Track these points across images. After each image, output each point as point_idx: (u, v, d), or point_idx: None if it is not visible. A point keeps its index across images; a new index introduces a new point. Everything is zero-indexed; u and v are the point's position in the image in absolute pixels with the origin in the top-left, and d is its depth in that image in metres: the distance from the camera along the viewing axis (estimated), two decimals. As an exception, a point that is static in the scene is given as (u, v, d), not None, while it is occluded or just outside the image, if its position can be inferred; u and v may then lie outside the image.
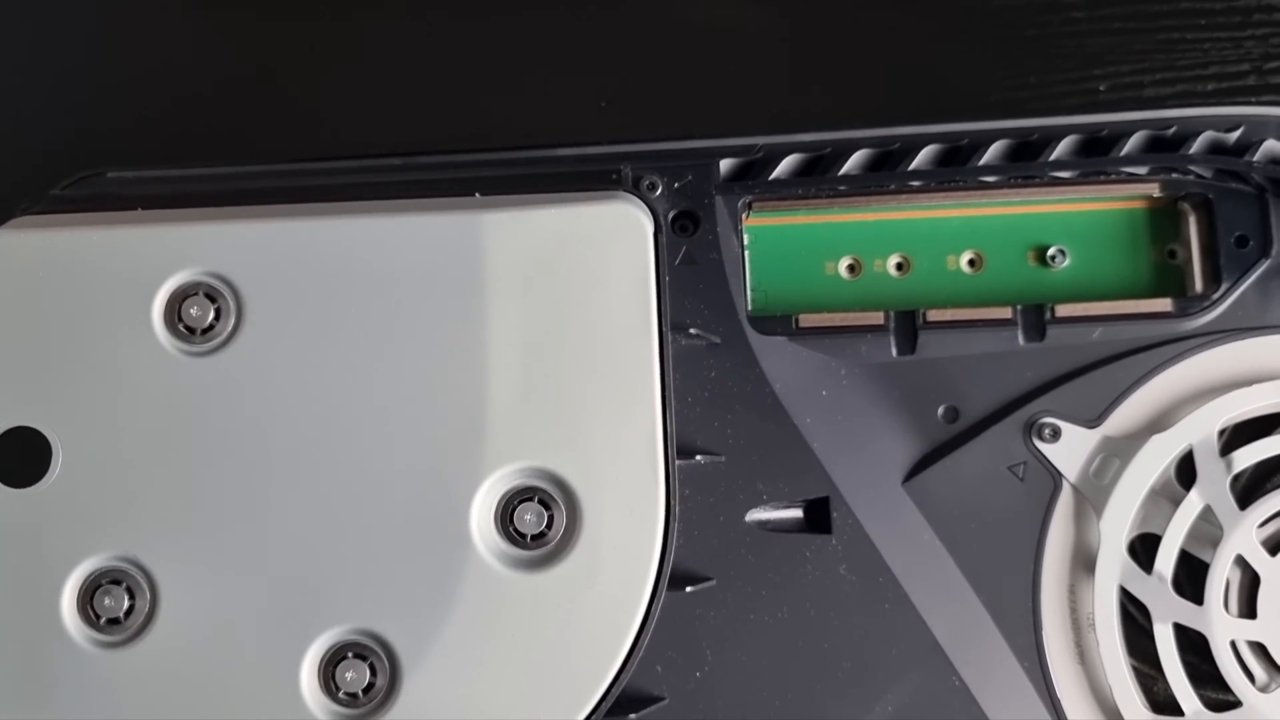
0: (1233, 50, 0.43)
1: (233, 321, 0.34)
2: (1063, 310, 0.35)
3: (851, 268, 0.37)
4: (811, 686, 0.34)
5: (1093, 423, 0.35)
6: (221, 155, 0.37)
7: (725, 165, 0.36)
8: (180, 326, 0.34)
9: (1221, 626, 0.33)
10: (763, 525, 0.35)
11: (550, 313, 0.34)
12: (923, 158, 0.35)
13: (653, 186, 0.35)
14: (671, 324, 0.34)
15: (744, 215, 0.36)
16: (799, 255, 0.36)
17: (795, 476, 0.35)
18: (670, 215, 0.36)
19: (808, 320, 0.35)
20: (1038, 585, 0.34)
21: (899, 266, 0.37)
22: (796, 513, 0.35)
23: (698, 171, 0.36)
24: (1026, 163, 0.35)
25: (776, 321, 0.35)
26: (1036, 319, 0.35)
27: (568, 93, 0.44)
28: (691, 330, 0.35)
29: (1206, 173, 0.35)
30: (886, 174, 0.35)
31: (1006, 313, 0.35)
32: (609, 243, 0.34)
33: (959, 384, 0.35)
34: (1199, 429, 0.34)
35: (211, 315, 0.34)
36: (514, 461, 0.33)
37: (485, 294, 0.34)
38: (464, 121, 0.44)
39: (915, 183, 0.35)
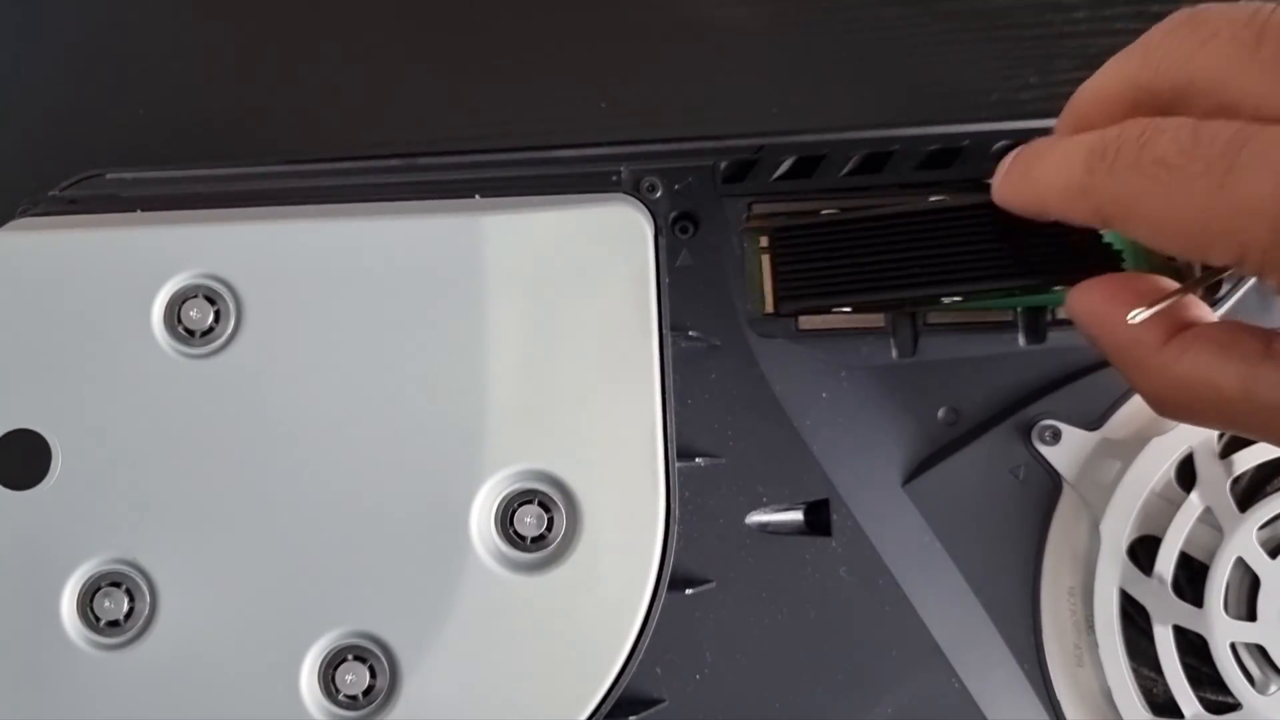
0: (1234, 51, 0.43)
1: (232, 324, 0.34)
2: (1064, 313, 0.35)
3: (852, 269, 0.37)
4: (811, 688, 0.34)
5: (1093, 425, 0.34)
6: (221, 156, 0.37)
7: (725, 167, 0.36)
8: (180, 329, 0.34)
9: (1221, 629, 0.33)
10: (763, 527, 0.35)
11: (550, 315, 0.34)
12: (923, 160, 0.35)
13: (653, 188, 0.35)
14: (671, 326, 0.34)
15: (744, 217, 0.36)
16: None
17: (795, 479, 0.35)
18: (670, 217, 0.36)
19: (808, 322, 0.35)
20: (1037, 587, 0.34)
21: (899, 268, 0.37)
22: (796, 515, 0.35)
23: (698, 173, 0.36)
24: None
25: (776, 323, 0.35)
26: (1037, 321, 0.35)
27: (568, 94, 0.44)
28: (691, 332, 0.35)
29: (1207, 174, 0.35)
30: (887, 175, 0.35)
31: (1007, 315, 0.35)
32: (609, 245, 0.34)
33: (959, 386, 0.35)
34: (1199, 431, 0.33)
35: (211, 317, 0.34)
36: (514, 464, 0.33)
37: (485, 296, 0.34)
38: (464, 123, 0.44)
39: (915, 185, 0.35)
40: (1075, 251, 0.30)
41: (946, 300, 0.33)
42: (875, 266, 0.32)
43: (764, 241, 0.35)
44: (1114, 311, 0.27)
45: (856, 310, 0.35)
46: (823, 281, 0.33)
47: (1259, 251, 0.23)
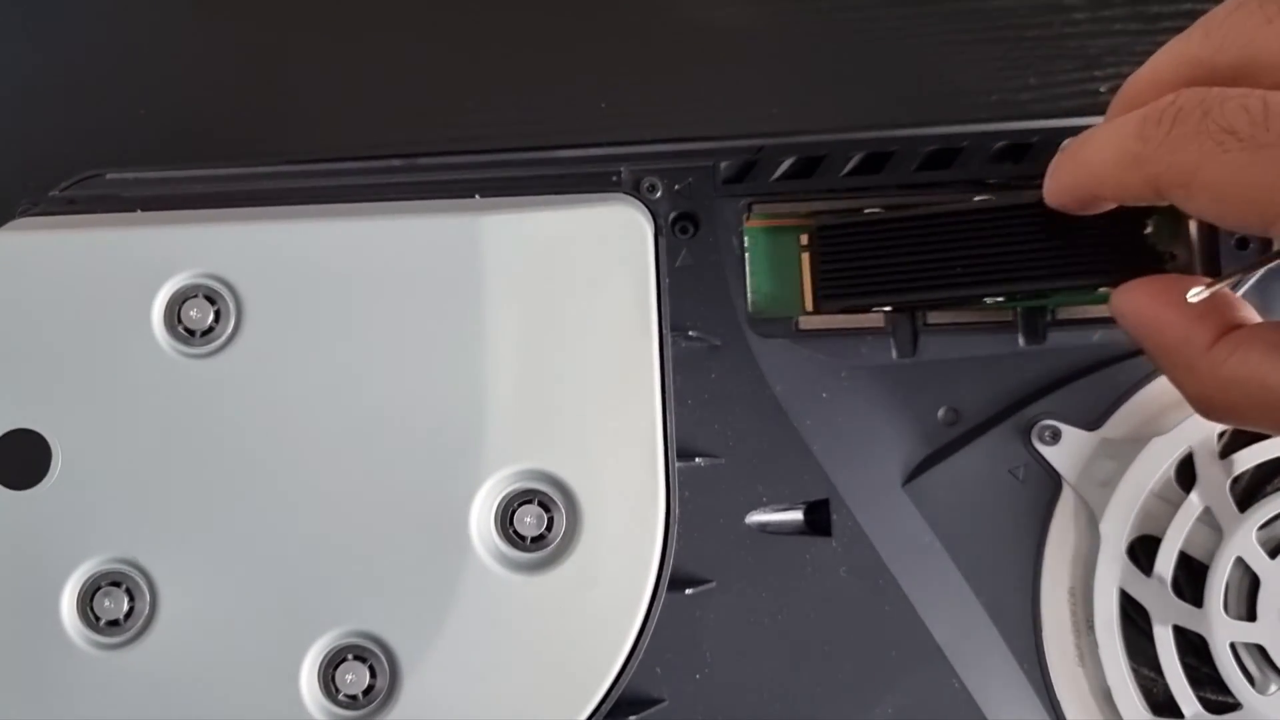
0: (1233, 52, 0.43)
1: (232, 323, 0.34)
2: (1063, 313, 0.35)
3: (852, 269, 0.37)
4: (811, 689, 0.34)
5: (1093, 425, 0.34)
6: (221, 156, 0.37)
7: (725, 167, 0.36)
8: (180, 328, 0.34)
9: (1221, 629, 0.33)
10: (763, 527, 0.35)
11: (550, 315, 0.34)
12: (922, 160, 0.35)
13: (653, 188, 0.35)
14: (671, 326, 0.34)
15: (744, 217, 0.36)
16: (799, 257, 0.36)
17: (795, 479, 0.35)
18: (670, 217, 0.36)
19: (808, 322, 0.35)
20: (1038, 587, 0.34)
21: (899, 268, 0.36)
22: (796, 515, 0.35)
23: (698, 173, 0.36)
24: (1028, 164, 0.35)
25: (776, 323, 0.35)
26: (1037, 321, 0.35)
27: (568, 94, 0.44)
28: (691, 332, 0.35)
29: (1207, 175, 0.35)
30: (887, 176, 0.35)
31: (1007, 315, 0.35)
32: (609, 245, 0.34)
33: (959, 386, 0.35)
34: (1199, 431, 0.33)
35: (211, 317, 0.34)
36: (514, 464, 0.33)
37: (485, 296, 0.34)
38: (464, 123, 0.44)
39: (915, 185, 0.35)
40: (1119, 252, 0.30)
41: (989, 301, 0.33)
42: (917, 266, 0.32)
43: (804, 240, 0.35)
44: (1160, 311, 0.27)
45: (897, 310, 0.35)
46: (864, 280, 0.33)
47: None
